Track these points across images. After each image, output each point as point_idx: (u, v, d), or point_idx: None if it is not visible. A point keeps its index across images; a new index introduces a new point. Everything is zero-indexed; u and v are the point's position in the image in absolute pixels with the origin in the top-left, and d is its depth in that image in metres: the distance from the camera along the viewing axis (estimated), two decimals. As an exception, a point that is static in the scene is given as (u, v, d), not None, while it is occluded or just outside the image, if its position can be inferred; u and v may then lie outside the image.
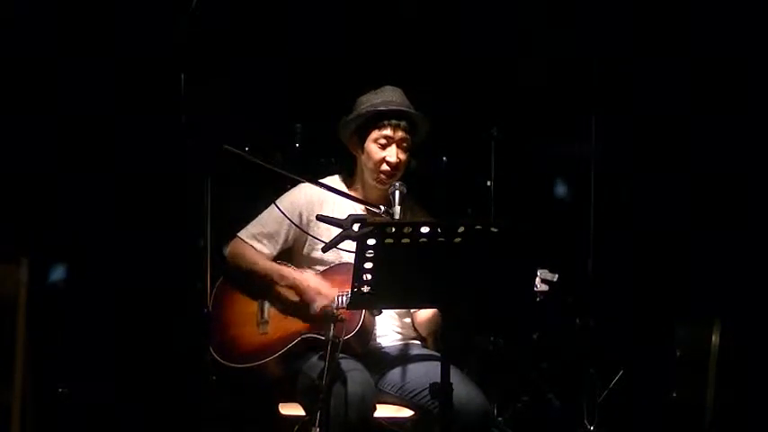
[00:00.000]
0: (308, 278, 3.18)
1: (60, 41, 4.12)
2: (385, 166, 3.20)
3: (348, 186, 3.32)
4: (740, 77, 4.27)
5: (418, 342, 3.36)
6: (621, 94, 4.49)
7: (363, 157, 3.25)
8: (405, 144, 3.22)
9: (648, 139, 4.50)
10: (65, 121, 4.15)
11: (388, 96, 3.23)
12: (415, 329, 3.38)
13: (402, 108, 3.20)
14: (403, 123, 3.20)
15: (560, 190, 4.78)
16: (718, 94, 4.32)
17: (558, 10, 4.58)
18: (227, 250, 3.29)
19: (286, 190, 3.32)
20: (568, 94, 4.51)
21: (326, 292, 3.13)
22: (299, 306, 3.17)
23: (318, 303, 3.13)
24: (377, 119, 3.20)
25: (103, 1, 4.16)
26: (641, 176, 4.54)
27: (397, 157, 3.19)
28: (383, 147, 3.20)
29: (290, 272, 3.22)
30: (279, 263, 3.29)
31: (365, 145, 3.23)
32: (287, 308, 3.19)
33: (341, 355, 2.89)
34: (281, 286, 3.21)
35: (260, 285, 3.24)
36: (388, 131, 3.19)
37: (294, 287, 3.18)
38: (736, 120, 4.31)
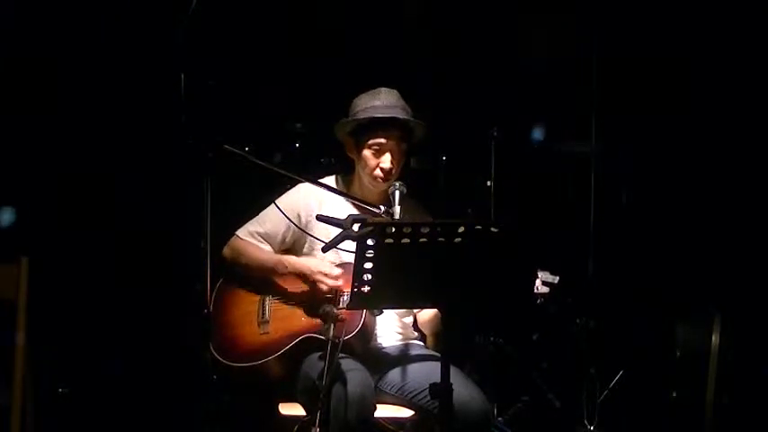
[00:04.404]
0: (312, 262, 3.17)
1: (60, 41, 4.12)
2: (378, 172, 3.19)
3: (347, 186, 3.32)
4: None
5: (418, 342, 3.36)
6: (621, 94, 4.49)
7: (359, 161, 3.24)
8: (399, 150, 3.21)
9: (649, 138, 4.50)
10: (65, 121, 4.15)
11: (383, 100, 3.20)
12: (417, 329, 3.38)
13: (395, 115, 3.17)
14: (396, 130, 3.18)
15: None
16: (717, 96, 4.33)
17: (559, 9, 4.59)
18: (226, 249, 3.29)
19: (286, 190, 3.32)
20: (568, 94, 4.51)
21: (331, 272, 3.11)
22: (305, 296, 3.16)
23: (326, 283, 3.11)
24: (370, 126, 3.18)
25: (104, 1, 4.16)
26: (641, 176, 4.54)
27: (391, 164, 3.18)
28: (377, 153, 3.19)
29: (295, 258, 3.21)
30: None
31: (360, 150, 3.22)
32: (292, 298, 3.18)
33: (341, 355, 2.89)
34: (286, 275, 3.19)
35: (263, 277, 3.23)
36: (381, 139, 3.17)
37: (300, 273, 3.16)
38: (733, 120, 4.31)
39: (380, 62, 4.37)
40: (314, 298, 3.13)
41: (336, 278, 3.11)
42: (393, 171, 3.19)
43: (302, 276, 3.16)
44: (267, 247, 3.28)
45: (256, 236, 3.28)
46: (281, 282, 3.22)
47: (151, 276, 4.19)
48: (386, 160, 3.18)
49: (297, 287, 3.19)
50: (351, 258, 2.51)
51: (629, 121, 4.51)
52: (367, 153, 3.20)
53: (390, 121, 3.17)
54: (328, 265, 3.14)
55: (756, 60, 4.23)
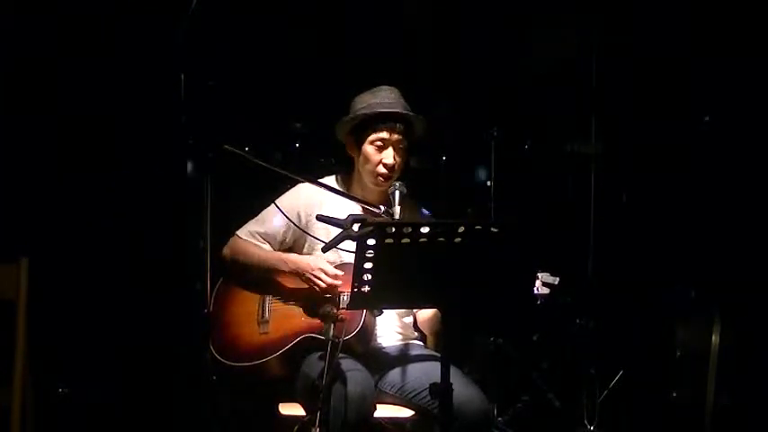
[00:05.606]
0: (312, 258, 3.17)
1: (60, 42, 4.12)
2: (382, 168, 3.19)
3: (347, 186, 3.32)
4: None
5: (418, 342, 3.36)
6: (621, 94, 4.49)
7: (360, 159, 3.24)
8: (401, 146, 3.20)
9: (648, 137, 4.50)
10: (65, 122, 4.15)
11: (384, 97, 3.21)
12: (417, 329, 3.38)
13: (397, 110, 3.19)
14: (399, 125, 3.18)
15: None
16: (718, 96, 4.33)
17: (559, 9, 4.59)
18: (225, 249, 3.29)
19: (286, 190, 3.32)
20: (568, 94, 4.51)
21: (330, 270, 3.10)
22: (305, 295, 3.16)
23: (323, 280, 3.10)
24: (372, 121, 3.18)
25: (104, 1, 4.16)
26: (641, 176, 4.54)
27: (394, 159, 3.18)
28: (379, 149, 3.19)
29: (295, 256, 3.21)
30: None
31: (362, 147, 3.21)
32: (292, 297, 3.18)
33: (341, 354, 2.89)
34: (286, 273, 3.19)
35: (262, 276, 3.22)
36: (384, 134, 3.18)
37: (299, 269, 3.16)
38: (734, 120, 4.31)
39: (380, 62, 4.37)
40: (314, 297, 3.13)
41: (335, 277, 3.11)
42: (396, 167, 3.19)
43: (301, 274, 3.15)
44: (267, 247, 3.28)
45: (256, 236, 3.28)
46: (281, 280, 3.21)
47: (151, 276, 4.19)
48: (388, 155, 3.18)
49: (297, 285, 3.19)
50: (351, 258, 2.51)
51: (630, 121, 4.52)
52: (369, 149, 3.19)
53: (393, 116, 3.17)
54: (328, 264, 3.14)
55: (757, 60, 4.23)
